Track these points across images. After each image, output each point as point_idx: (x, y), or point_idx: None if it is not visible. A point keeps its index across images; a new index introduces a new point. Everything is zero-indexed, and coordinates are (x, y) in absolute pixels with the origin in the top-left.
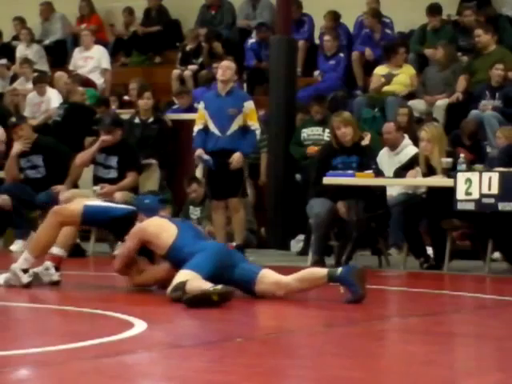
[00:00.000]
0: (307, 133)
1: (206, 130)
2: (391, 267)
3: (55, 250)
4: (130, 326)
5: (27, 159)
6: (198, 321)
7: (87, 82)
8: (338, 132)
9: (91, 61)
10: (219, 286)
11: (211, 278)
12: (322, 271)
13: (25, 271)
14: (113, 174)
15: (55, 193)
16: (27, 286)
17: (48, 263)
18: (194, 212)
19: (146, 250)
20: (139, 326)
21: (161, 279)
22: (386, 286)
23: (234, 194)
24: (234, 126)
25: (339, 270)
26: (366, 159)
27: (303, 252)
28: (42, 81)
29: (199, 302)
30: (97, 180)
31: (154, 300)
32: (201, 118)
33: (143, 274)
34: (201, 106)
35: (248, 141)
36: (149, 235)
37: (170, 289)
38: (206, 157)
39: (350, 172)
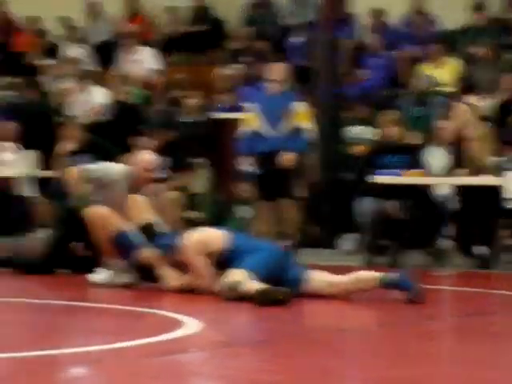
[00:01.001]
0: (353, 131)
1: (254, 132)
2: (441, 266)
3: None
4: (180, 324)
5: (76, 158)
6: (249, 320)
7: (147, 84)
8: (385, 131)
9: (140, 63)
10: (278, 287)
11: (265, 280)
12: (374, 274)
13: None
14: (163, 174)
15: None
16: (128, 285)
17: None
18: (244, 212)
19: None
20: (190, 325)
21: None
22: (438, 286)
23: (284, 195)
24: (285, 127)
25: (390, 275)
26: (413, 158)
27: (353, 251)
28: (86, 78)
29: (268, 300)
30: None
31: (205, 299)
32: (250, 119)
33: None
34: (251, 107)
35: (299, 141)
36: (204, 242)
37: (222, 287)
38: (249, 168)
39: (398, 171)
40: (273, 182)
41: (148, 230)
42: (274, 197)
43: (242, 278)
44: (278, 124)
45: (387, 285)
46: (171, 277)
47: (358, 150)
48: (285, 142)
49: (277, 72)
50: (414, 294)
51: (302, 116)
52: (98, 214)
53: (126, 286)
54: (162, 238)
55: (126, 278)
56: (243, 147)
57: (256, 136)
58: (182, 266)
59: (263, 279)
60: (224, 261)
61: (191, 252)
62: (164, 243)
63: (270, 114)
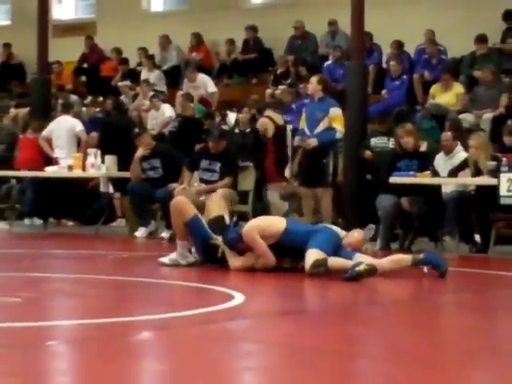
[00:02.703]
0: (375, 141)
1: (302, 129)
2: (446, 251)
3: None
4: (230, 298)
5: (148, 162)
6: (288, 294)
7: (204, 101)
8: (401, 140)
9: (199, 89)
10: (363, 265)
11: (330, 255)
12: (407, 256)
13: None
14: (215, 177)
15: (171, 190)
16: (192, 264)
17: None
18: (284, 205)
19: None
20: (238, 298)
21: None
22: None
23: (319, 184)
24: (321, 127)
25: (421, 255)
26: (424, 162)
27: (373, 239)
28: (155, 97)
29: (355, 278)
30: (202, 182)
31: (251, 277)
32: (302, 121)
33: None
34: (303, 111)
35: (326, 133)
36: (263, 227)
37: (310, 265)
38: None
39: (411, 173)
40: (309, 173)
41: (219, 222)
42: (311, 185)
43: (321, 256)
44: (313, 126)
45: (418, 263)
46: (234, 259)
47: (368, 155)
48: (318, 136)
49: (309, 87)
50: (444, 269)
51: (336, 119)
52: (179, 201)
53: (189, 265)
54: (229, 231)
55: (190, 259)
56: (298, 134)
57: (302, 133)
58: (246, 253)
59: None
60: (282, 242)
61: (252, 234)
62: (232, 236)
63: (310, 117)
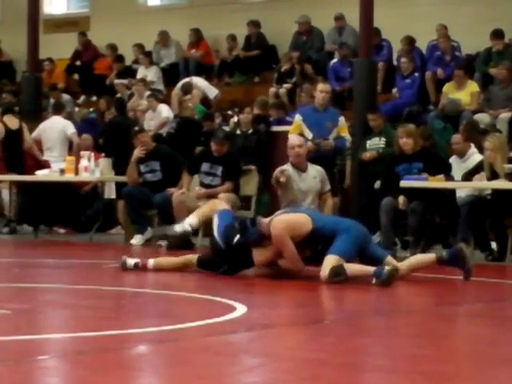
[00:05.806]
0: (369, 143)
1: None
2: None
3: None
4: (232, 309)
5: (146, 164)
6: (291, 305)
7: (205, 102)
8: (400, 141)
9: (197, 92)
10: (389, 267)
11: (354, 257)
12: (431, 255)
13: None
14: (216, 181)
15: (169, 194)
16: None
17: None
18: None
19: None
20: (240, 309)
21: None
22: (455, 276)
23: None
24: (331, 137)
25: (444, 252)
26: (431, 164)
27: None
28: (151, 97)
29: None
30: (202, 186)
31: (253, 288)
32: (297, 128)
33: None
34: (298, 118)
35: (339, 142)
36: (291, 228)
37: (327, 274)
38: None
39: (423, 176)
40: None
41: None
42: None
43: (339, 263)
44: (325, 135)
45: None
46: (258, 253)
47: (368, 156)
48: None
49: (324, 96)
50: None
51: (344, 128)
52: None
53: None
54: (249, 232)
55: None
56: None
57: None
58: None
59: (353, 257)
60: (309, 239)
61: (282, 238)
62: (254, 237)
63: (317, 127)
